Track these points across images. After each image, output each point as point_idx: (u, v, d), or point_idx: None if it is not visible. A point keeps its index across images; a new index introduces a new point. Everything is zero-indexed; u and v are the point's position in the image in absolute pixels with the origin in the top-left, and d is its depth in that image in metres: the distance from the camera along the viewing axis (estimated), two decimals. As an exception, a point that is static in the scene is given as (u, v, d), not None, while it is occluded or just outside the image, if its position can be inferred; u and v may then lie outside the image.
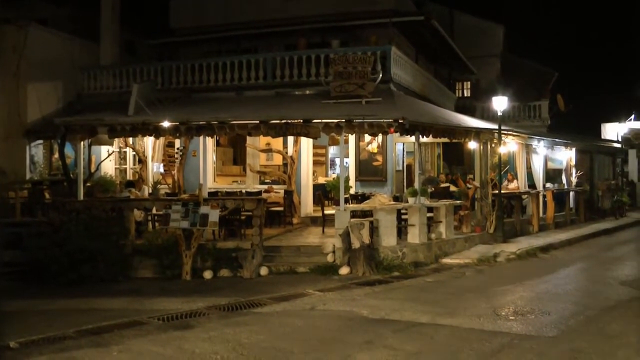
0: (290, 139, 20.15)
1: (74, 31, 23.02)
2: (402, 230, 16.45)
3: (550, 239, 19.73)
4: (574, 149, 25.72)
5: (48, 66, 21.56)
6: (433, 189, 19.43)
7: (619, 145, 31.79)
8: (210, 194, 17.79)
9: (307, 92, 19.71)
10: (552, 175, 26.44)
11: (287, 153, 20.60)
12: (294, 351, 8.54)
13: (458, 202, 18.30)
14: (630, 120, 34.69)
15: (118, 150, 22.04)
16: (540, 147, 22.76)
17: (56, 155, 20.63)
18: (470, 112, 28.44)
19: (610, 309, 10.98)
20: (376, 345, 8.77)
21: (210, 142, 20.17)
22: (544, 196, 22.74)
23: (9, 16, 20.73)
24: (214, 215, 14.83)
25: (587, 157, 28.55)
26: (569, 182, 25.44)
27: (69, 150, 18.89)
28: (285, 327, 10.05)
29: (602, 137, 35.43)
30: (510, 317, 10.31)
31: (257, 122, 15.97)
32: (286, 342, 9.07)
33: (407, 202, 16.68)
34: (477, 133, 18.58)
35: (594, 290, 12.63)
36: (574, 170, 25.94)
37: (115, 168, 22.15)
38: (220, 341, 9.13)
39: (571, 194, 25.22)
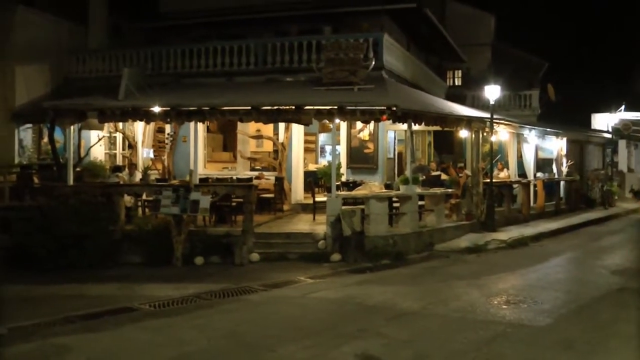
0: (281, 125, 20.05)
1: (61, 14, 22.66)
2: (393, 218, 16.42)
3: (540, 227, 19.79)
4: (564, 139, 25.75)
5: (35, 49, 21.22)
6: (424, 177, 19.40)
7: (609, 136, 31.88)
8: (200, 180, 17.68)
9: (299, 78, 19.56)
10: (542, 164, 26.44)
11: (277, 139, 20.50)
12: (285, 339, 8.48)
13: (449, 190, 18.27)
14: (621, 110, 34.71)
15: (108, 135, 21.84)
16: (531, 136, 22.78)
17: (45, 140, 20.40)
18: (461, 101, 28.34)
19: (602, 298, 11.01)
20: (369, 333, 8.74)
21: (200, 128, 20.00)
22: (535, 185, 22.80)
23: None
24: (205, 201, 14.71)
25: (578, 147, 28.62)
26: (559, 171, 25.49)
27: (58, 135, 18.66)
28: (276, 314, 10.00)
29: (592, 127, 35.49)
30: (503, 306, 10.30)
31: (249, 108, 15.84)
32: (277, 329, 9.03)
33: (399, 190, 16.63)
34: (468, 122, 18.54)
35: (585, 280, 12.66)
36: (564, 160, 25.99)
37: (105, 153, 21.95)
38: (211, 328, 9.08)
39: (561, 183, 25.31)
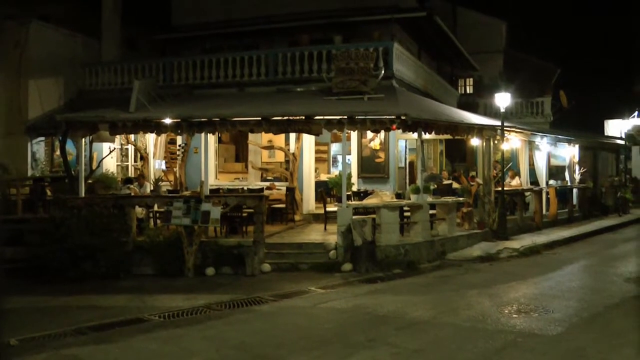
0: (293, 135, 20.09)
1: (75, 28, 22.92)
2: (404, 227, 16.39)
3: (553, 236, 19.67)
4: (577, 146, 25.62)
5: (49, 63, 21.48)
6: (436, 186, 19.35)
7: (622, 142, 31.67)
8: (212, 191, 17.71)
9: (309, 88, 19.61)
10: (555, 172, 26.32)
11: (289, 150, 20.53)
12: (295, 349, 8.48)
13: (461, 199, 18.21)
14: (634, 116, 34.52)
15: (120, 147, 21.98)
16: (543, 143, 22.69)
17: (58, 152, 20.54)
18: (473, 109, 28.32)
19: (615, 307, 10.91)
20: (378, 342, 8.72)
21: (212, 139, 20.08)
22: (547, 193, 22.65)
23: (10, 12, 20.63)
24: (216, 212, 14.75)
25: (591, 153, 28.48)
26: (572, 179, 25.35)
27: (70, 147, 18.83)
28: (286, 324, 10.00)
29: (605, 133, 35.33)
30: (514, 315, 10.24)
31: (259, 118, 15.87)
32: (287, 339, 9.02)
33: (410, 199, 16.60)
34: (479, 130, 18.48)
35: (597, 288, 12.54)
36: (577, 167, 25.86)
37: (117, 165, 22.09)
38: (221, 339, 9.09)
39: (574, 190, 25.13)
